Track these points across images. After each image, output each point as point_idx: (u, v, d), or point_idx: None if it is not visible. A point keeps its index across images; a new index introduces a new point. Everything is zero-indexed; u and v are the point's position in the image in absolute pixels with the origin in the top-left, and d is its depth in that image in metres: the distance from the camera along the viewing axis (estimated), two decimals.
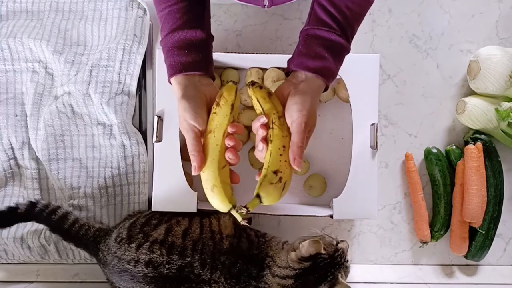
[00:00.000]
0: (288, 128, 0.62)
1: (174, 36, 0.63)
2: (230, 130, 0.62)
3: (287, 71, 0.65)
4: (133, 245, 0.69)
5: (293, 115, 0.60)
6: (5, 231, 0.80)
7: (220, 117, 0.63)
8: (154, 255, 0.68)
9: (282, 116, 0.63)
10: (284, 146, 0.61)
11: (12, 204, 0.75)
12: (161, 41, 0.64)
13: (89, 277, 0.83)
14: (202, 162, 0.61)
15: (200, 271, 0.67)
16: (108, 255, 0.71)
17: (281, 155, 0.61)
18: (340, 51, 0.63)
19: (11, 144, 0.83)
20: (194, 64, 0.63)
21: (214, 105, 0.64)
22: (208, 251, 0.68)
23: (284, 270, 0.66)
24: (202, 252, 0.68)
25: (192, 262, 0.67)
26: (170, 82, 0.65)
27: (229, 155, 0.62)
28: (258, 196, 0.61)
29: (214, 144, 0.62)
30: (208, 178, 0.61)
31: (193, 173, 0.61)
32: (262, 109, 0.63)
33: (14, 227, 0.81)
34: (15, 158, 0.84)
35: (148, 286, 0.67)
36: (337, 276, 0.65)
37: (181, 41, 0.63)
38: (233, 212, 0.61)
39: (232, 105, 0.63)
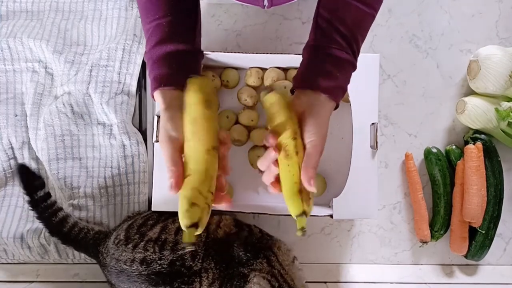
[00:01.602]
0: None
1: (162, 48, 0.60)
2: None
3: (292, 89, 0.62)
4: (130, 245, 0.70)
5: (311, 137, 0.57)
6: (5, 231, 0.80)
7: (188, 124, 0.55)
8: (148, 253, 0.68)
9: (298, 131, 0.58)
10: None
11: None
12: (147, 53, 0.61)
13: (89, 277, 0.83)
14: (181, 178, 0.55)
15: (191, 263, 0.67)
16: (107, 257, 0.71)
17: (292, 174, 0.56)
18: (349, 69, 0.61)
19: (11, 144, 0.83)
20: (178, 78, 0.59)
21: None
22: (199, 242, 0.68)
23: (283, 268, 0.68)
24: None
25: (183, 255, 0.67)
26: (152, 96, 0.61)
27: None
28: (304, 213, 0.56)
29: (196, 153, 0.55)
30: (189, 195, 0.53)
31: (171, 192, 0.55)
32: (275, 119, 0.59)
33: (14, 227, 0.81)
34: (15, 158, 0.84)
35: (143, 285, 0.68)
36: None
37: (167, 54, 0.60)
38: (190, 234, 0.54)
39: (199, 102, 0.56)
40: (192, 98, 0.56)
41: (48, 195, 0.77)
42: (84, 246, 0.75)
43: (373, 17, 0.62)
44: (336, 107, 0.62)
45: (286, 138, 0.57)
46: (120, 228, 0.74)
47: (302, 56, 0.62)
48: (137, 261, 0.68)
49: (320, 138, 0.57)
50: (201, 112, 0.55)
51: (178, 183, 0.54)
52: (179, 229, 0.71)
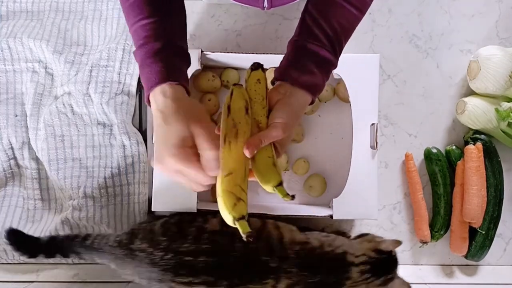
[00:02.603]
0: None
1: (145, 48, 0.58)
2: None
3: (273, 80, 0.63)
4: (190, 236, 0.68)
5: (275, 119, 0.58)
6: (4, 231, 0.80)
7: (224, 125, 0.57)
8: (216, 244, 0.68)
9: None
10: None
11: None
12: (135, 56, 0.60)
13: (89, 277, 0.83)
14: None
15: (268, 258, 0.67)
16: (156, 252, 0.68)
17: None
18: (328, 67, 0.62)
19: (11, 144, 0.83)
20: (175, 74, 0.58)
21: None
22: (273, 240, 0.69)
23: (359, 257, 0.69)
24: (267, 241, 0.68)
25: (258, 248, 0.67)
26: (148, 101, 0.58)
27: None
28: (281, 182, 0.57)
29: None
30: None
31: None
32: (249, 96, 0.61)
33: (14, 227, 0.80)
34: (15, 158, 0.84)
35: (212, 278, 0.67)
36: (396, 272, 0.71)
37: (154, 52, 0.57)
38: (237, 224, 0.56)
39: (229, 107, 0.58)
40: (237, 104, 0.59)
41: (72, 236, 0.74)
42: (107, 252, 0.72)
43: (359, 20, 0.63)
44: (312, 102, 0.63)
45: (260, 115, 0.59)
46: (156, 224, 0.72)
47: (286, 50, 0.63)
48: (204, 253, 0.67)
49: (283, 124, 0.57)
50: (243, 116, 0.58)
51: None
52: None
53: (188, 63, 0.63)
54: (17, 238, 0.74)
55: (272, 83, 0.64)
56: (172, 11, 0.62)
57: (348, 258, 0.69)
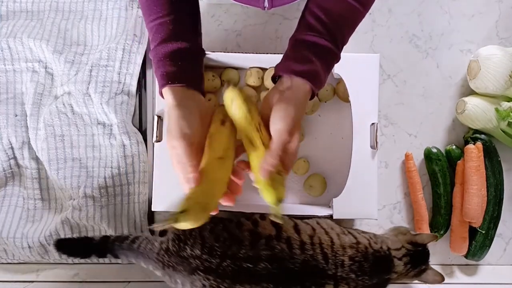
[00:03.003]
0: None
1: (167, 46, 0.61)
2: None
3: (273, 77, 0.63)
4: (246, 242, 0.66)
5: (275, 123, 0.58)
6: (5, 231, 0.80)
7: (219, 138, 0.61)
8: (275, 250, 0.66)
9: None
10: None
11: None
12: (152, 51, 0.62)
13: (89, 277, 0.83)
14: (199, 173, 0.57)
15: (325, 265, 0.66)
16: (212, 259, 0.66)
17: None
18: (328, 57, 0.61)
19: (11, 144, 0.83)
20: (188, 75, 0.61)
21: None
22: (327, 246, 0.68)
23: (402, 250, 0.72)
24: (321, 247, 0.67)
25: (314, 255, 0.66)
26: (161, 93, 0.62)
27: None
28: (279, 200, 0.59)
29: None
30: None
31: (191, 185, 0.56)
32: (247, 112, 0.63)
33: (14, 227, 0.81)
34: (15, 158, 0.84)
35: (272, 285, 0.65)
36: (429, 263, 0.74)
37: (174, 52, 0.61)
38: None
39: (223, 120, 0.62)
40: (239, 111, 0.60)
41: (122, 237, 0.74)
42: (152, 258, 0.70)
43: (362, 15, 0.63)
44: (312, 97, 0.62)
45: (250, 131, 0.60)
46: (204, 230, 0.69)
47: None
48: (263, 259, 0.65)
49: (285, 124, 0.57)
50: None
51: (198, 177, 0.56)
52: (295, 225, 0.70)
53: (202, 60, 0.66)
54: (68, 246, 0.74)
55: (273, 80, 0.64)
56: (188, 9, 0.64)
57: (392, 253, 0.71)
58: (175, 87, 0.60)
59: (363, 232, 0.74)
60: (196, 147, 0.59)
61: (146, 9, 0.63)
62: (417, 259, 0.72)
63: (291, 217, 0.74)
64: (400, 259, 0.71)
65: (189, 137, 0.57)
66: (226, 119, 0.62)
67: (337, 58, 0.62)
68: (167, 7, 0.62)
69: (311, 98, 0.62)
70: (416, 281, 0.74)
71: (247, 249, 0.66)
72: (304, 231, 0.69)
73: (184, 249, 0.67)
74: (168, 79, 0.60)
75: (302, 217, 0.79)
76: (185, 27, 0.63)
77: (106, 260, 0.83)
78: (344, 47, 0.64)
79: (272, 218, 0.58)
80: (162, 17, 0.61)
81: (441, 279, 0.74)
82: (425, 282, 0.74)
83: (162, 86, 0.61)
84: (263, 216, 0.72)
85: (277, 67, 0.63)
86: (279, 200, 0.58)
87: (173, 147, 0.58)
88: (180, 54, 0.61)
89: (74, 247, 0.74)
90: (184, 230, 0.68)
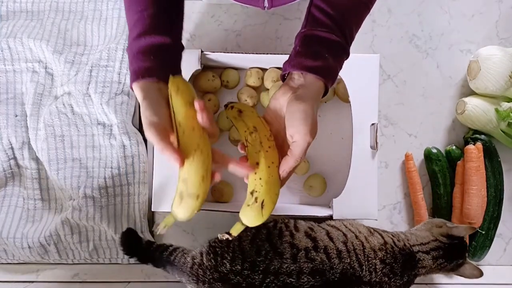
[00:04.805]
0: (262, 142, 0.58)
1: (141, 41, 0.59)
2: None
3: (282, 74, 0.62)
4: (287, 255, 0.64)
5: (296, 125, 0.56)
6: (5, 231, 0.80)
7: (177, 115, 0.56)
8: (315, 262, 0.64)
9: (254, 132, 0.59)
10: (257, 163, 0.58)
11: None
12: (128, 46, 0.61)
13: (89, 277, 0.83)
14: (179, 153, 0.54)
15: (360, 273, 0.65)
16: (254, 275, 0.63)
17: (255, 173, 0.58)
18: (340, 52, 0.60)
19: (11, 144, 0.83)
20: (157, 70, 0.59)
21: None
22: (359, 251, 0.67)
23: (430, 244, 0.71)
24: (355, 253, 0.66)
25: (351, 263, 0.65)
26: (131, 88, 0.60)
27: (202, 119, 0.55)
28: (240, 219, 0.58)
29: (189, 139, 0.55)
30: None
31: (179, 165, 0.54)
32: (237, 129, 0.62)
33: (14, 227, 0.81)
34: (15, 158, 0.84)
35: None
36: (466, 257, 0.73)
37: (147, 46, 0.59)
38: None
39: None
40: (176, 101, 0.57)
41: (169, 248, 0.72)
42: (186, 272, 0.68)
43: (367, 9, 0.62)
44: (325, 94, 0.61)
45: (256, 151, 0.58)
46: (244, 240, 0.67)
47: (294, 43, 0.62)
48: (305, 273, 0.63)
49: (307, 127, 0.56)
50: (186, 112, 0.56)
51: (181, 157, 0.54)
52: (327, 233, 0.69)
53: (180, 54, 0.63)
54: (132, 244, 0.74)
55: (282, 77, 0.62)
56: (169, 2, 0.62)
57: (415, 249, 0.70)
58: (143, 81, 0.58)
59: (383, 230, 0.73)
60: (170, 131, 0.57)
61: (126, 4, 0.62)
62: (453, 252, 0.71)
63: (295, 218, 0.74)
64: (427, 253, 0.70)
65: (157, 124, 0.55)
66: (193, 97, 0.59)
67: (347, 54, 0.61)
68: (145, 1, 0.60)
69: (323, 95, 0.61)
70: (415, 281, 0.74)
71: (289, 262, 0.64)
72: (337, 238, 0.68)
73: (223, 264, 0.64)
74: (138, 75, 0.59)
75: (302, 217, 0.79)
76: (162, 21, 0.61)
77: (106, 260, 0.83)
78: (355, 37, 0.63)
79: (232, 232, 0.57)
80: (140, 11, 0.60)
81: (479, 274, 0.71)
82: (462, 276, 0.73)
83: (131, 81, 0.60)
84: (296, 227, 0.70)
85: (287, 64, 0.61)
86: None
87: (148, 138, 0.56)
88: (152, 49, 0.59)
89: (136, 246, 0.73)
90: (220, 242, 0.66)
